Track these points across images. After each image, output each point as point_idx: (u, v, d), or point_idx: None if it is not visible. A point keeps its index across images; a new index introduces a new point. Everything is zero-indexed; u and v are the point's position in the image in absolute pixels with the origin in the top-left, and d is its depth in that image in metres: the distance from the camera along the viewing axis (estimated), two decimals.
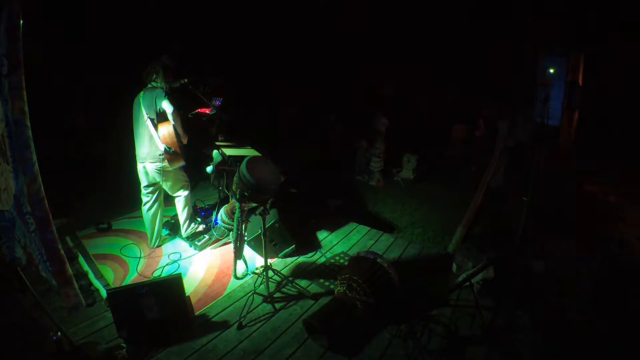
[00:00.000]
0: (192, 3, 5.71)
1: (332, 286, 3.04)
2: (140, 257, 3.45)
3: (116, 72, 4.49)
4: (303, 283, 3.12)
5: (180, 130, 3.21)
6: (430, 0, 6.02)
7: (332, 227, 4.20)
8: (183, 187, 3.51)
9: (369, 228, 4.22)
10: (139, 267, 3.29)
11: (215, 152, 3.62)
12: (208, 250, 3.64)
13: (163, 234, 3.71)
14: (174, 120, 3.13)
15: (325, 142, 7.63)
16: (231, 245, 3.31)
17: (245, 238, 3.21)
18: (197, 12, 5.77)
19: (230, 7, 6.14)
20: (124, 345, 2.31)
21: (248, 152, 3.48)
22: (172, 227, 3.85)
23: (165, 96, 3.11)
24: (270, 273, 2.96)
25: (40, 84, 2.31)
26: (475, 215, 3.48)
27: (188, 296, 2.61)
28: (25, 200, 2.38)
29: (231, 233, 3.45)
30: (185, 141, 3.30)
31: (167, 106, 3.09)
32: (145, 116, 3.14)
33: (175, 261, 3.41)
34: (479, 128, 6.22)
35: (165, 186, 3.43)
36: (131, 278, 3.13)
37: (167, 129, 3.12)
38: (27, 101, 2.23)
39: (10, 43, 2.13)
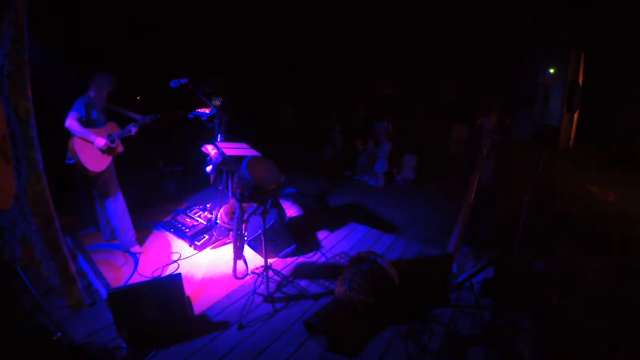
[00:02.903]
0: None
1: (332, 286, 3.04)
2: (140, 257, 3.45)
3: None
4: (303, 283, 3.12)
5: (89, 140, 3.12)
6: (431, 0, 6.02)
7: (332, 227, 4.20)
8: (108, 196, 3.42)
9: (369, 228, 4.22)
10: (139, 267, 3.30)
11: (210, 147, 3.62)
12: (208, 250, 3.64)
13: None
14: (74, 132, 3.06)
15: (326, 143, 7.64)
16: (231, 245, 3.31)
17: (245, 238, 3.21)
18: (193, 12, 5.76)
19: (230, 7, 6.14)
20: (124, 345, 2.31)
21: (247, 151, 3.48)
22: (173, 226, 3.87)
23: (74, 106, 3.07)
24: (270, 273, 2.96)
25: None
26: (469, 214, 3.50)
27: (188, 296, 2.60)
28: (27, 200, 2.38)
29: (231, 233, 3.46)
30: (101, 146, 3.17)
31: (66, 119, 3.04)
32: None
33: (175, 261, 3.41)
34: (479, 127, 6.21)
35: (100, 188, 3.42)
36: (131, 278, 3.13)
37: (70, 141, 3.11)
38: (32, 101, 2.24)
39: (14, 43, 2.13)
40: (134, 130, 3.43)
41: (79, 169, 3.18)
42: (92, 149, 3.17)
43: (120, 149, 3.40)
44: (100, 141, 3.16)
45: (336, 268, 3.37)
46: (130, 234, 3.51)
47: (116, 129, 3.38)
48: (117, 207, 3.44)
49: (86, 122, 3.16)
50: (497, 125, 3.52)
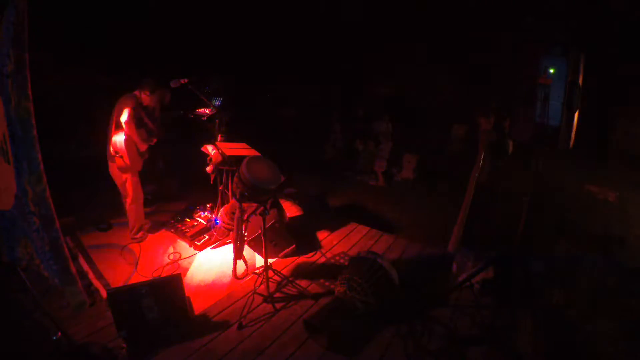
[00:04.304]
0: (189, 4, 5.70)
1: (332, 286, 3.04)
2: (140, 257, 3.45)
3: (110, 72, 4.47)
4: (303, 283, 3.12)
5: (136, 140, 3.32)
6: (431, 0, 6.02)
7: (332, 227, 4.20)
8: (128, 195, 3.53)
9: (369, 228, 4.22)
10: (139, 267, 3.29)
11: (210, 147, 3.63)
12: (208, 250, 3.64)
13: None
14: (128, 130, 3.20)
15: (326, 143, 7.64)
16: (231, 245, 3.31)
17: (245, 238, 3.21)
18: (194, 12, 5.76)
19: (231, 6, 6.14)
20: (124, 345, 2.31)
21: (247, 151, 3.48)
22: (173, 226, 3.87)
23: (131, 106, 3.20)
24: (270, 273, 2.96)
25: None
26: (468, 213, 3.51)
27: (188, 296, 2.61)
28: (28, 200, 2.38)
29: (231, 233, 3.46)
30: (142, 149, 3.41)
31: (124, 115, 3.17)
32: (114, 118, 3.29)
33: (175, 261, 3.41)
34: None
35: (119, 185, 3.53)
36: (131, 278, 3.13)
37: (119, 137, 3.23)
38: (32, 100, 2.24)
39: (16, 42, 2.13)
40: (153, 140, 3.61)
41: (121, 167, 3.31)
42: (134, 149, 3.34)
43: (146, 156, 3.57)
44: (144, 145, 3.41)
45: (336, 268, 3.37)
46: (143, 229, 3.73)
47: (145, 136, 3.51)
48: (135, 207, 3.59)
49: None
50: (494, 124, 3.53)
